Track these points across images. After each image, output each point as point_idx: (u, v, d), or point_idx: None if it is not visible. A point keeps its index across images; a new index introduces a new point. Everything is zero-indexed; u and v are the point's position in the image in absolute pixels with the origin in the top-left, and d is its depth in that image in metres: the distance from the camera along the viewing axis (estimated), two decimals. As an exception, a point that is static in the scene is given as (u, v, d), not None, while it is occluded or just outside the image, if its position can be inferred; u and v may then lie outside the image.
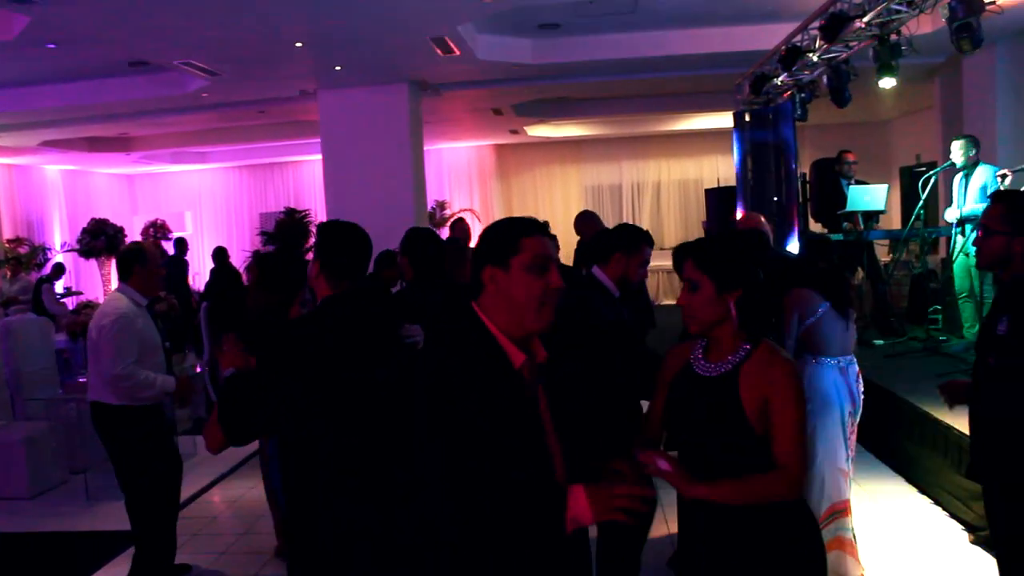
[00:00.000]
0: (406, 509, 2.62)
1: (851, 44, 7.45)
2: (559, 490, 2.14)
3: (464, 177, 19.45)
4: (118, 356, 4.62)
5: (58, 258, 15.92)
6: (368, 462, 2.77)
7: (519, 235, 2.28)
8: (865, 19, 6.64)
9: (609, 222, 7.25)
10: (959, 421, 5.45)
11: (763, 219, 5.86)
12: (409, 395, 2.24)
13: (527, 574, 2.18)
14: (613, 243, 4.03)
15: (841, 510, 4.40)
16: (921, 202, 8.15)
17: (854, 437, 4.55)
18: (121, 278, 4.86)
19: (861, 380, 4.61)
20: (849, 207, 9.14)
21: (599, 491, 2.10)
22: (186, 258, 15.06)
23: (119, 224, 16.33)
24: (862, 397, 4.60)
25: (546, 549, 2.17)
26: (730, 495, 2.39)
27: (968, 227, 7.55)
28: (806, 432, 2.42)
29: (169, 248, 15.03)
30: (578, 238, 7.96)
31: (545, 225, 2.38)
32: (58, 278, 13.79)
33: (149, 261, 4.87)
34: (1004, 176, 7.26)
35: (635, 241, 4.03)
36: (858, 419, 4.58)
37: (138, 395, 4.71)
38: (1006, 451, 3.18)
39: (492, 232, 2.35)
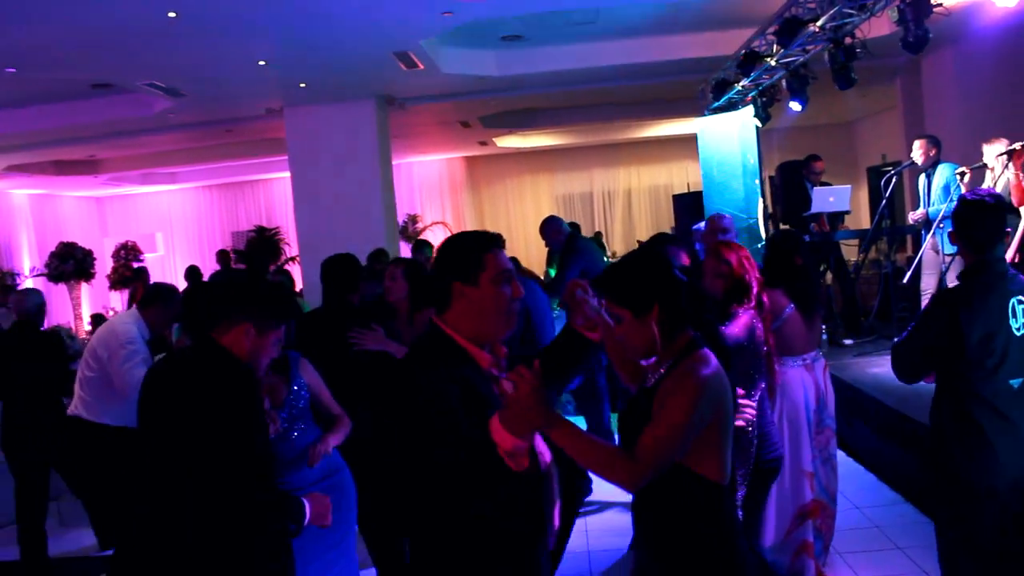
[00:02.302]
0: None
1: (808, 48, 7.55)
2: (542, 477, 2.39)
3: (435, 190, 19.47)
4: (141, 365, 4.72)
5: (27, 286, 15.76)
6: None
7: (483, 252, 2.46)
8: (818, 23, 6.73)
9: (584, 230, 7.28)
10: (926, 416, 5.52)
11: (726, 219, 5.93)
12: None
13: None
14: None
15: (809, 511, 4.45)
16: (884, 201, 8.26)
17: (824, 437, 4.59)
18: (140, 304, 5.02)
19: (828, 374, 4.67)
20: (814, 209, 9.22)
21: (504, 412, 2.21)
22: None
23: (89, 247, 16.18)
24: (831, 391, 4.66)
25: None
26: (571, 445, 2.30)
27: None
28: (676, 444, 2.31)
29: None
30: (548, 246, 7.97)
31: (500, 238, 2.58)
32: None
33: (172, 304, 5.04)
34: (963, 174, 7.36)
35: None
36: (829, 414, 4.63)
37: None
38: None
39: (455, 249, 2.51)
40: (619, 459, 2.32)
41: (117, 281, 16.71)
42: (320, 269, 4.80)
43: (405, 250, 13.87)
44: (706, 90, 10.04)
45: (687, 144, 16.21)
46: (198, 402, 2.68)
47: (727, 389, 2.44)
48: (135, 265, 16.25)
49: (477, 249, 2.46)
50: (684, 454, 2.35)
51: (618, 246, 18.22)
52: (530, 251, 16.89)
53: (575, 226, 8.50)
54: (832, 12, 6.49)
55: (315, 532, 3.22)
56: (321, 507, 2.97)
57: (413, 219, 18.19)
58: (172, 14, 7.28)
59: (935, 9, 5.65)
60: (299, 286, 11.33)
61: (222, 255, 13.35)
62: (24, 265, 17.09)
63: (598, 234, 17.82)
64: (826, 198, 9.24)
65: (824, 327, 7.89)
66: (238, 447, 2.66)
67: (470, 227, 19.03)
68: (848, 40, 6.88)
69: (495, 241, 2.51)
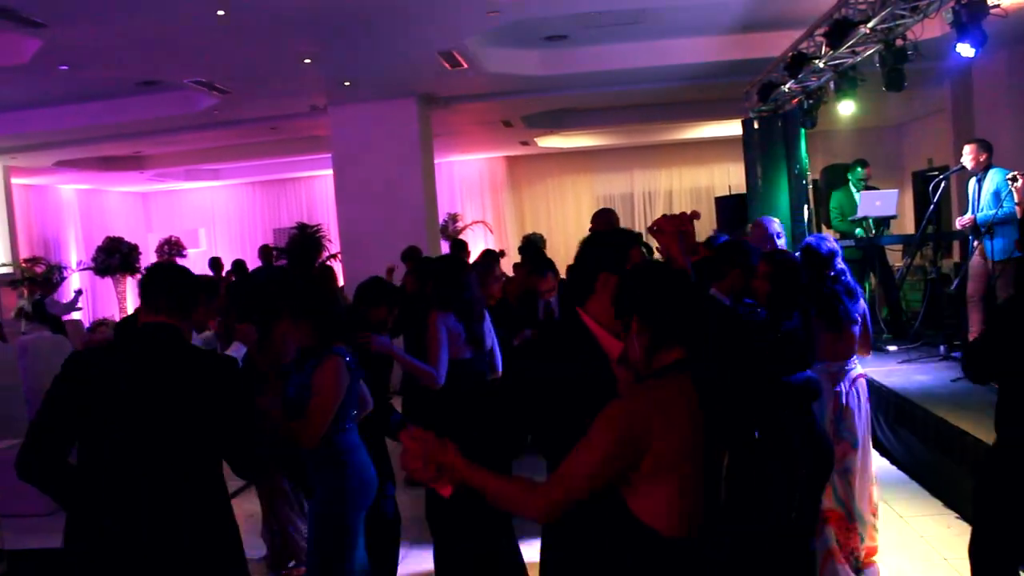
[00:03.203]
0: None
1: (857, 50, 7.44)
2: None
3: (476, 189, 19.49)
4: None
5: (74, 280, 16.05)
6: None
7: (629, 246, 2.71)
8: (869, 24, 6.63)
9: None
10: (975, 428, 5.43)
11: (775, 222, 5.85)
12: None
13: None
14: (730, 260, 4.15)
15: (824, 520, 4.42)
16: (932, 206, 8.12)
17: (840, 449, 4.50)
18: None
19: (861, 388, 4.60)
20: (860, 213, 9.10)
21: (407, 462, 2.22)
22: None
23: (133, 242, 16.44)
24: (863, 406, 4.59)
25: None
26: (484, 491, 2.22)
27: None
28: (585, 474, 2.17)
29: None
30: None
31: (639, 236, 2.90)
32: (53, 292, 13.83)
33: (213, 297, 5.14)
34: (1014, 179, 7.21)
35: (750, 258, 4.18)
36: (848, 427, 4.56)
37: None
38: None
39: (604, 242, 2.77)
40: (527, 493, 2.22)
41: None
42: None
43: (445, 249, 13.90)
44: (751, 92, 9.95)
45: (729, 146, 16.10)
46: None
47: (688, 423, 2.22)
48: (178, 260, 16.44)
49: (625, 244, 2.70)
50: (607, 486, 2.19)
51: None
52: (570, 252, 16.65)
53: (616, 228, 8.44)
54: (884, 13, 6.39)
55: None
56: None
57: (453, 218, 18.21)
58: (220, 12, 7.36)
59: (992, 10, 5.54)
60: (341, 282, 11.40)
61: (264, 251, 13.47)
62: (71, 259, 17.37)
63: (639, 235, 17.71)
64: (873, 202, 9.12)
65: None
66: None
67: (510, 227, 19.07)
68: (899, 42, 6.77)
69: (637, 238, 2.80)
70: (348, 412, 3.80)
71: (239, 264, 13.34)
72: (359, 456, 3.82)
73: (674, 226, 2.85)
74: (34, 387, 7.91)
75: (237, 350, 4.95)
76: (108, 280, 16.34)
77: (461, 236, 17.67)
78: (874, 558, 4.67)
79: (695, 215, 2.93)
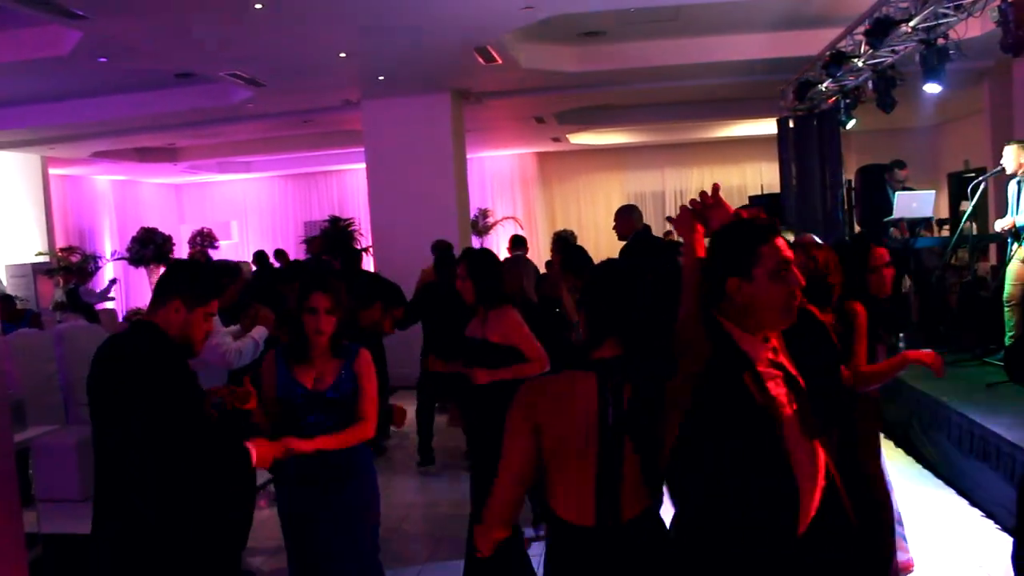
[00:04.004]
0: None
1: (897, 49, 7.37)
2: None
3: (506, 185, 19.49)
4: (225, 336, 4.88)
5: (108, 270, 16.22)
6: None
7: (757, 243, 2.29)
8: (912, 23, 6.57)
9: (654, 230, 7.11)
10: (1011, 431, 5.36)
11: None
12: None
13: None
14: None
15: None
16: (970, 208, 8.02)
17: None
18: None
19: None
20: (896, 214, 9.00)
21: None
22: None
23: (167, 233, 16.60)
24: None
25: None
26: None
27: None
28: (503, 466, 2.41)
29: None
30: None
31: (774, 227, 2.36)
32: (86, 282, 14.00)
33: (235, 281, 5.19)
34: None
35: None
36: None
37: (241, 362, 4.90)
38: None
39: (727, 241, 2.34)
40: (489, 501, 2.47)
41: (192, 267, 17.09)
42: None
43: (476, 244, 13.91)
44: (787, 91, 9.88)
45: (761, 145, 16.02)
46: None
47: (579, 417, 2.34)
48: (210, 251, 16.59)
49: (751, 241, 2.30)
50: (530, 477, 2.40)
51: (688, 246, 18.01)
52: (599, 250, 16.79)
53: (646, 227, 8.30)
54: (927, 12, 6.32)
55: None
56: (266, 452, 3.08)
57: (484, 213, 18.23)
58: (258, 5, 7.40)
59: (1036, 11, 5.47)
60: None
61: (316, 241, 13.51)
62: (105, 249, 17.57)
63: (667, 234, 17.65)
64: (909, 203, 9.02)
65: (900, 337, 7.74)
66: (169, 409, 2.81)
67: (540, 223, 19.06)
68: (940, 41, 6.69)
69: (770, 230, 2.33)
70: None
71: (259, 255, 13.46)
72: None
73: (689, 215, 2.52)
74: (70, 375, 8.01)
75: (259, 332, 4.99)
76: (142, 270, 16.51)
77: (492, 232, 17.72)
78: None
79: (716, 188, 2.54)
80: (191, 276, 3.06)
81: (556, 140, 17.21)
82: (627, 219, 7.25)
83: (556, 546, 2.42)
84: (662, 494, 2.46)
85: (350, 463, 3.58)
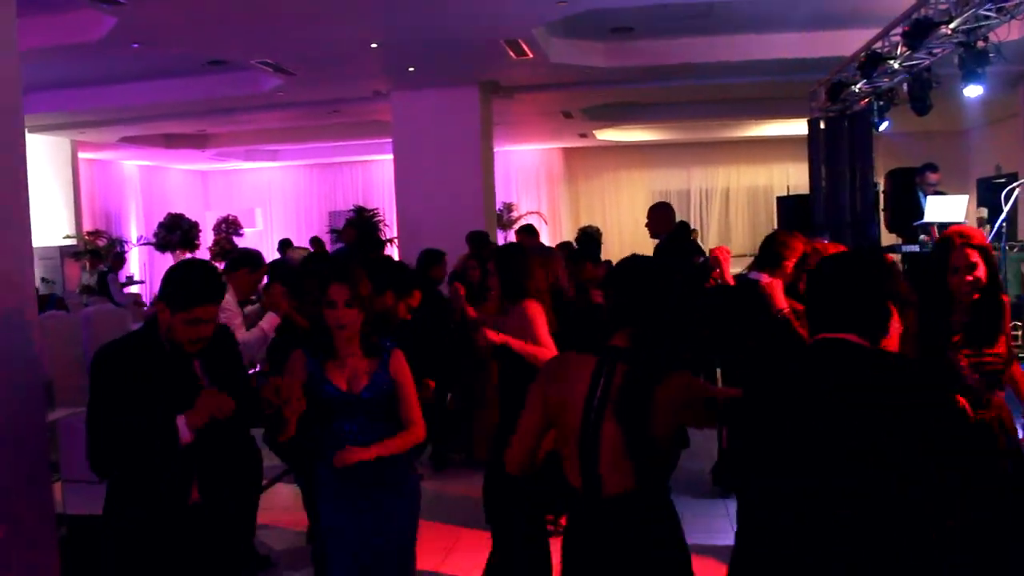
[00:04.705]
0: None
1: (935, 51, 7.28)
2: None
3: (532, 180, 19.47)
4: (241, 327, 4.88)
5: (134, 254, 16.35)
6: None
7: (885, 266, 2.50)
8: (952, 25, 6.48)
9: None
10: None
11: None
12: None
13: None
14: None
15: None
16: (1004, 214, 7.93)
17: None
18: (226, 269, 5.23)
19: None
20: (927, 218, 8.92)
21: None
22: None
23: (193, 219, 16.71)
24: None
25: None
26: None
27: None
28: (527, 422, 2.73)
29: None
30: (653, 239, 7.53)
31: None
32: (119, 268, 14.11)
33: (256, 270, 5.18)
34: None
35: None
36: None
37: (248, 355, 4.88)
38: None
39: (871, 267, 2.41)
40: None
41: (217, 253, 17.17)
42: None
43: (500, 238, 13.91)
44: (819, 91, 9.79)
45: (788, 145, 15.91)
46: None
47: (576, 396, 2.58)
48: (236, 240, 16.68)
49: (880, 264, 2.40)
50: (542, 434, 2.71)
51: (712, 246, 17.93)
52: (623, 248, 16.74)
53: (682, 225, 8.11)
54: (968, 14, 6.23)
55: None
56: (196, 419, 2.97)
57: (508, 207, 18.21)
58: (293, -7, 7.42)
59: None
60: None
61: (348, 231, 13.51)
62: (131, 233, 17.69)
63: (693, 232, 17.58)
64: (940, 208, 8.93)
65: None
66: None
67: (564, 219, 19.04)
68: (980, 44, 6.60)
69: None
70: None
71: (284, 243, 13.51)
72: None
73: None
74: (96, 357, 8.08)
75: (268, 321, 5.00)
76: (168, 256, 16.62)
77: (515, 226, 17.69)
78: None
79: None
80: (174, 283, 3.02)
81: (583, 136, 17.18)
82: (661, 217, 7.20)
83: (571, 513, 2.70)
84: (656, 481, 2.55)
85: (395, 471, 3.44)
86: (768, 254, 4.71)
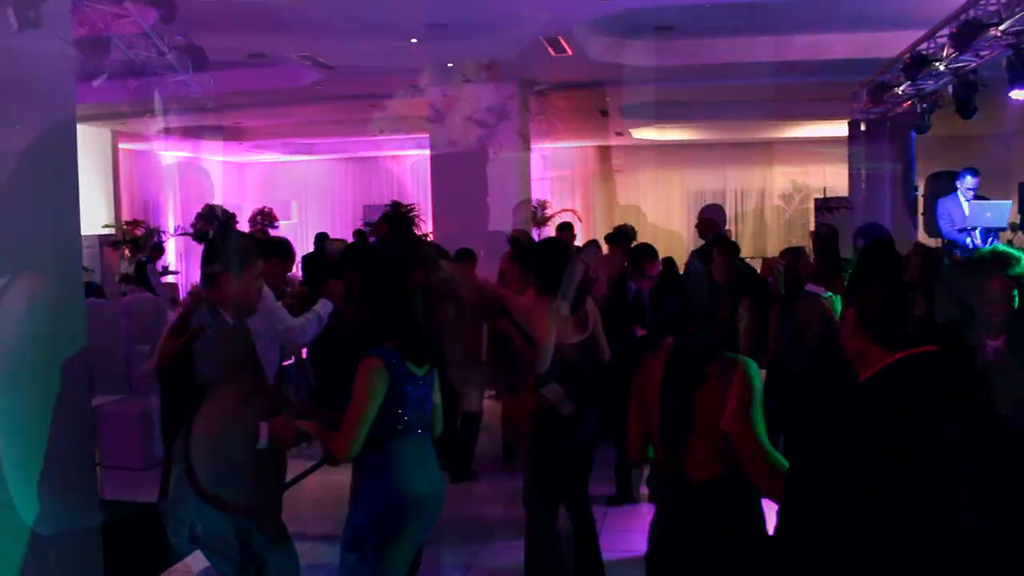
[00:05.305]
0: None
1: (982, 53, 7.18)
2: None
3: (567, 177, 19.41)
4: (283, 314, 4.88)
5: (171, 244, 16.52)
6: None
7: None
8: (1002, 27, 6.38)
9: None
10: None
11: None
12: None
13: None
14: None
15: None
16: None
17: None
18: None
19: None
20: (969, 223, 8.78)
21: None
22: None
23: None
24: None
25: None
26: None
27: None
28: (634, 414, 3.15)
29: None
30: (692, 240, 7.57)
31: None
32: (158, 258, 14.26)
33: (287, 259, 5.26)
34: None
35: None
36: None
37: (305, 338, 4.94)
38: None
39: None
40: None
41: (252, 245, 17.29)
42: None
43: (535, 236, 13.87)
44: (861, 92, 9.69)
45: (826, 147, 15.74)
46: None
47: (653, 390, 2.98)
48: (271, 232, 16.76)
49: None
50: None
51: (747, 248, 17.80)
52: (658, 245, 16.63)
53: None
54: (1019, 16, 6.14)
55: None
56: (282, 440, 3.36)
57: (542, 205, 18.14)
58: (336, -12, 7.45)
59: None
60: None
61: (385, 222, 13.58)
62: (169, 223, 17.86)
63: (727, 232, 17.46)
64: (983, 212, 8.79)
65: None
66: None
67: (599, 218, 18.96)
68: (1030, 47, 6.52)
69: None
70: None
71: (321, 236, 13.55)
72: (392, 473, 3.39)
73: None
74: (133, 346, 8.17)
75: (324, 307, 5.01)
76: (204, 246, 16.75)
77: (549, 224, 17.64)
78: None
79: None
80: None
81: (619, 134, 17.10)
82: (713, 219, 7.23)
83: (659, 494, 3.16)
84: (734, 467, 2.75)
85: None
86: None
